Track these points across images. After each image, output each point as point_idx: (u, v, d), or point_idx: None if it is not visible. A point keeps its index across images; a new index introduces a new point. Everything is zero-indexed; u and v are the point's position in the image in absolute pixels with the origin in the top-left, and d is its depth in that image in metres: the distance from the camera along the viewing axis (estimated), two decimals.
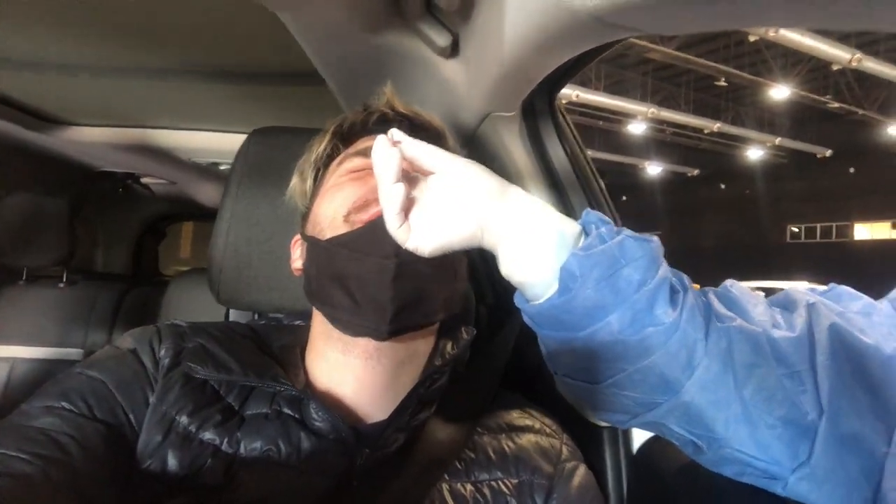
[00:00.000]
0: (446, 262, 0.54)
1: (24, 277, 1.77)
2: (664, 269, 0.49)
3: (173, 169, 1.96)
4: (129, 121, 1.59)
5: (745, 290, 0.53)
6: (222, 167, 1.88)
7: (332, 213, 0.59)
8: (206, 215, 2.50)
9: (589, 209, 0.53)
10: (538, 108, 0.82)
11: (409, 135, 0.52)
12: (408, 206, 0.50)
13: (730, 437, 0.47)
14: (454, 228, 0.50)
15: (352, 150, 0.64)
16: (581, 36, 0.52)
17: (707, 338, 0.47)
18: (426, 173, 0.52)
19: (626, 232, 0.50)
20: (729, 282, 0.54)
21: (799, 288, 0.53)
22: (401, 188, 0.48)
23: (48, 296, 1.74)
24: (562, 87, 0.79)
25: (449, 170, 0.51)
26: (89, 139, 1.64)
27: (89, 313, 1.73)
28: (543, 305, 0.50)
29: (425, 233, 0.50)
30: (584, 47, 0.58)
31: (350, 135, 0.66)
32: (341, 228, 0.57)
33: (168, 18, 0.96)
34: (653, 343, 0.47)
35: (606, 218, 0.51)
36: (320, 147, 0.67)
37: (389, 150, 0.48)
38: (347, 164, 0.63)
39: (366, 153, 0.61)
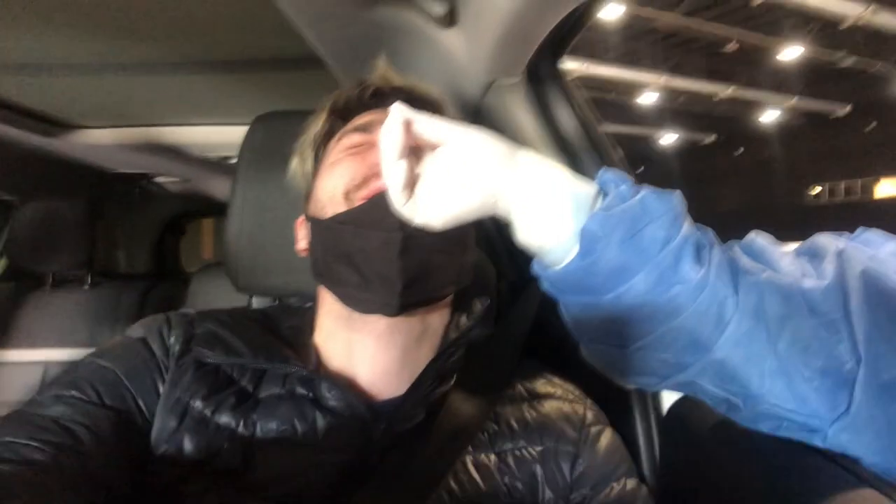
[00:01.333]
0: (454, 233, 0.52)
1: (49, 283, 1.80)
2: (688, 225, 0.48)
3: (185, 166, 1.97)
4: (137, 120, 1.59)
5: (770, 241, 0.51)
6: (233, 161, 1.88)
7: (331, 191, 0.58)
8: (224, 211, 2.50)
9: (605, 168, 0.51)
10: (543, 73, 0.80)
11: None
12: (414, 182, 0.49)
13: (765, 392, 0.46)
14: (464, 200, 0.49)
15: (349, 126, 0.63)
16: None
17: (737, 293, 0.46)
18: (432, 146, 0.51)
19: (647, 188, 0.48)
20: (753, 234, 0.52)
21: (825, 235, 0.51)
22: (403, 164, 0.47)
23: (74, 299, 1.76)
24: (565, 49, 0.77)
25: (455, 139, 0.49)
26: (99, 141, 1.65)
27: (115, 313, 1.75)
28: (565, 269, 0.48)
29: (434, 207, 0.49)
30: None
31: (346, 111, 0.65)
32: (342, 206, 0.56)
33: (165, 11, 0.96)
34: (681, 302, 0.45)
35: (624, 176, 0.50)
36: (317, 126, 0.66)
37: (396, 127, 0.47)
38: (345, 140, 0.62)
39: (363, 129, 0.61)
